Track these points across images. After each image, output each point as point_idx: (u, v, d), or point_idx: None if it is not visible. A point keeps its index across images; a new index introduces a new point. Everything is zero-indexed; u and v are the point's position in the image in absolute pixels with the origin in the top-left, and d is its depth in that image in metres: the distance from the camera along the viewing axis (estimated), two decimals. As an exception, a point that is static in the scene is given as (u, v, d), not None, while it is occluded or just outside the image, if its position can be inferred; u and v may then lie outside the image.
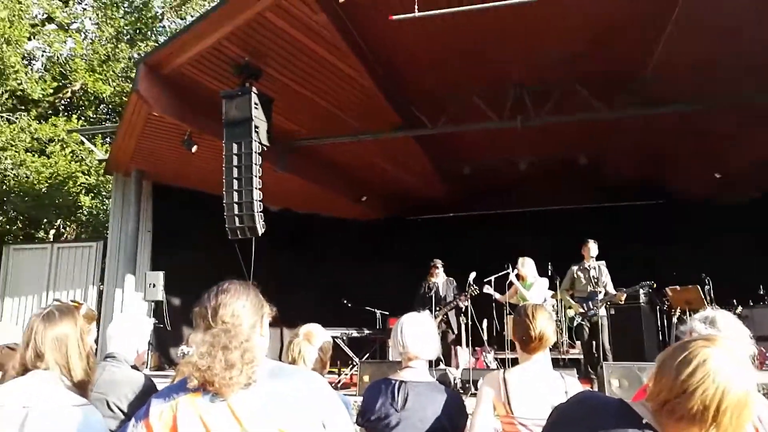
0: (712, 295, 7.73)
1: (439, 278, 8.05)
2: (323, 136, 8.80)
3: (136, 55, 16.58)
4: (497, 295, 7.83)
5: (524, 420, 2.38)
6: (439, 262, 8.17)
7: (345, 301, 9.10)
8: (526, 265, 7.52)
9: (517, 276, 7.55)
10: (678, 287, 7.92)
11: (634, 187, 11.76)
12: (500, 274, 7.91)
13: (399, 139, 8.98)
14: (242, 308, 1.54)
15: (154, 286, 8.79)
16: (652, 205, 12.11)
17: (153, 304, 8.91)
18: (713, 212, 11.40)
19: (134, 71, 7.48)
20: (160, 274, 8.87)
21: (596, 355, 6.94)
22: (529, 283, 7.48)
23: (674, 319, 7.78)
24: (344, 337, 8.29)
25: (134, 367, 2.69)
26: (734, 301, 7.76)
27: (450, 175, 11.24)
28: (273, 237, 7.37)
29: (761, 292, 7.80)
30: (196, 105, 7.76)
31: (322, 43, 6.52)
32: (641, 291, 8.14)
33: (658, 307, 8.51)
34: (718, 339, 1.40)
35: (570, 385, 2.45)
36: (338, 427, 1.53)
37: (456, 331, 7.68)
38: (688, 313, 7.15)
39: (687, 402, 1.31)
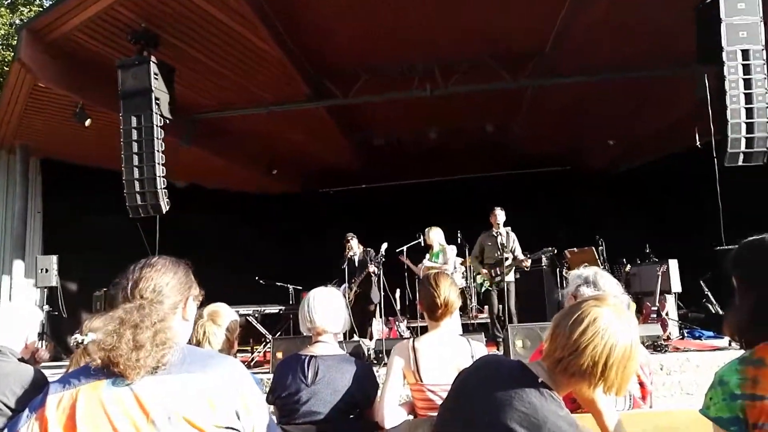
0: (605, 255, 8.28)
1: (355, 250, 8.10)
2: (230, 109, 8.46)
3: (18, 21, 15.32)
4: (413, 265, 8.00)
5: (433, 386, 2.45)
6: (350, 235, 8.21)
7: (257, 278, 8.94)
8: (432, 234, 7.70)
9: (425, 245, 7.74)
10: (576, 249, 8.43)
11: (539, 156, 12.30)
12: (412, 243, 8.08)
13: (310, 110, 8.82)
14: (165, 285, 1.44)
15: (46, 271, 8.15)
16: (554, 172, 12.76)
17: (46, 290, 8.29)
18: (608, 178, 12.21)
19: (16, 38, 6.82)
20: (53, 258, 8.24)
21: (503, 318, 7.26)
22: (436, 251, 7.68)
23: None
24: (257, 315, 8.16)
25: (23, 359, 2.49)
26: (623, 260, 8.35)
27: (362, 146, 11.23)
28: (179, 214, 7.06)
29: (647, 251, 8.44)
30: (88, 75, 7.22)
31: (226, 10, 6.22)
32: (543, 256, 8.58)
33: (558, 270, 9.00)
34: (607, 299, 1.50)
35: (476, 349, 2.54)
36: (253, 416, 1.44)
37: (375, 302, 7.76)
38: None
39: (579, 358, 1.41)
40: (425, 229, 7.76)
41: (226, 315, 2.52)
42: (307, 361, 2.51)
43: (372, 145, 10.85)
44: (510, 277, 7.44)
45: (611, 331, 1.41)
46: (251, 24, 6.44)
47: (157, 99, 6.38)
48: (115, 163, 6.73)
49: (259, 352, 7.64)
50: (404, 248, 8.07)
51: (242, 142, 10.17)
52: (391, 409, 2.40)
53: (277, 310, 8.61)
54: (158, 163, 6.42)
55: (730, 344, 6.33)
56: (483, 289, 7.77)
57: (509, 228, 7.63)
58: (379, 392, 2.52)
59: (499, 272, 7.38)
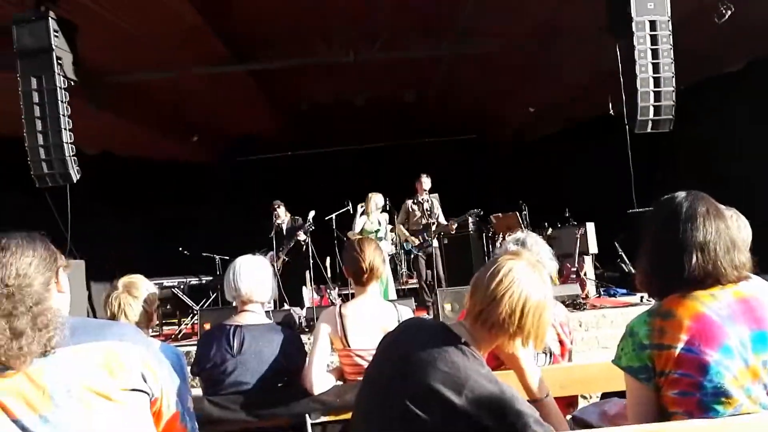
0: (528, 219, 8.58)
1: (283, 218, 7.98)
2: (143, 71, 7.96)
3: None
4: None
5: (361, 351, 2.46)
6: (277, 202, 8.07)
7: (181, 249, 8.64)
8: (372, 201, 7.72)
9: (364, 212, 7.73)
10: (500, 214, 8.68)
11: (461, 123, 12.48)
12: (341, 211, 8.05)
13: (231, 74, 8.46)
14: (29, 266, 1.33)
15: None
16: (476, 139, 13.02)
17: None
18: (528, 144, 12.60)
19: None
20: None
21: (432, 283, 7.41)
22: (375, 218, 7.73)
23: (498, 244, 8.56)
24: (182, 286, 7.92)
25: None
26: (545, 223, 8.69)
27: (288, 112, 10.96)
28: (92, 184, 6.64)
29: (567, 215, 8.82)
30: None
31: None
32: (470, 219, 8.78)
33: (484, 234, 9.25)
34: (522, 253, 1.55)
35: (403, 313, 2.57)
36: (160, 379, 1.44)
37: (302, 269, 7.72)
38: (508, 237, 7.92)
39: (497, 308, 1.45)
40: (368, 195, 7.76)
41: (143, 286, 2.39)
42: (232, 331, 2.46)
43: (297, 111, 10.61)
44: (436, 243, 7.58)
45: (526, 280, 1.47)
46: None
47: (59, 59, 5.88)
48: (16, 129, 6.21)
49: (187, 324, 7.43)
50: (333, 216, 8.03)
51: (158, 107, 9.62)
52: (319, 375, 2.40)
53: (203, 281, 8.39)
54: (65, 129, 5.95)
55: (641, 300, 6.77)
56: (412, 256, 7.88)
57: (435, 195, 7.74)
58: (307, 360, 2.50)
59: (426, 237, 7.49)
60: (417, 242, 7.62)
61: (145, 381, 1.38)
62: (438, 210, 7.65)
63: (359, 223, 7.66)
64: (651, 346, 1.46)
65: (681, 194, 1.60)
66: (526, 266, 1.50)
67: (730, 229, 1.55)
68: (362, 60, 7.84)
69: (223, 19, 7.26)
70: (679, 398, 1.42)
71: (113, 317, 2.32)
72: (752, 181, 7.78)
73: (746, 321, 1.44)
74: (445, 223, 7.55)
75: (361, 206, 7.76)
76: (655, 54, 6.26)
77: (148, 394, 1.41)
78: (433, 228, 7.45)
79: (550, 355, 2.32)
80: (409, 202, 7.76)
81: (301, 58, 7.96)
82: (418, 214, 7.62)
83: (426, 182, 7.61)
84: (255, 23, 7.50)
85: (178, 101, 9.58)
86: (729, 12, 6.94)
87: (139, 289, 2.39)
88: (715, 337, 1.41)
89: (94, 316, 7.83)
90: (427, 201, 7.57)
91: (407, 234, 7.78)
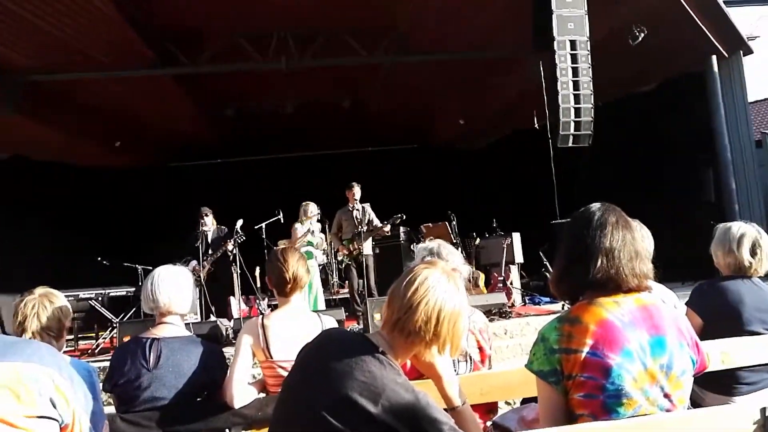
0: (456, 229, 8.76)
1: (210, 227, 7.76)
2: (59, 72, 7.56)
3: None
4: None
5: (283, 363, 2.42)
6: (206, 210, 7.84)
7: (99, 258, 8.22)
8: (311, 209, 7.66)
9: (300, 221, 7.65)
10: (430, 224, 8.82)
11: (394, 133, 12.62)
12: (271, 220, 7.92)
13: (156, 78, 8.19)
14: None
15: None
16: (409, 149, 13.21)
17: None
18: (458, 156, 12.90)
19: None
20: None
21: (363, 292, 7.40)
22: (316, 227, 7.68)
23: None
24: (101, 298, 7.52)
25: None
26: (473, 233, 8.90)
27: (216, 119, 10.73)
28: (2, 188, 6.24)
29: (494, 225, 9.08)
30: None
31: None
32: (401, 229, 8.88)
33: (415, 243, 9.35)
34: (437, 262, 1.58)
35: (327, 324, 2.55)
36: (71, 403, 1.35)
37: (229, 279, 7.53)
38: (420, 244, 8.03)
39: (413, 316, 1.47)
40: (304, 203, 7.67)
41: (60, 297, 2.31)
42: (148, 344, 2.36)
43: (225, 118, 10.40)
44: (368, 251, 7.58)
45: (440, 288, 1.50)
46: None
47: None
48: None
49: (105, 338, 7.06)
50: (263, 225, 7.89)
51: (78, 110, 9.18)
52: (240, 387, 2.34)
53: (124, 292, 8.01)
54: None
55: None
56: (344, 265, 7.86)
57: (367, 204, 7.75)
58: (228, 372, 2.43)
59: (356, 246, 7.49)
60: (348, 251, 7.61)
61: (55, 407, 1.29)
62: (369, 216, 7.67)
63: (300, 230, 7.58)
64: (560, 350, 1.52)
65: (596, 205, 1.70)
66: (441, 275, 1.53)
67: (635, 241, 1.65)
68: (295, 67, 7.79)
69: (147, 20, 7.04)
70: (585, 400, 1.49)
71: (24, 320, 2.20)
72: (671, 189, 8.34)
73: (646, 327, 1.53)
74: (379, 225, 7.57)
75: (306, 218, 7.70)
76: (575, 72, 6.58)
77: (58, 421, 1.32)
78: (365, 230, 7.44)
79: (471, 362, 2.36)
80: (340, 211, 7.75)
81: (231, 63, 7.81)
82: (349, 223, 7.61)
83: (357, 191, 7.60)
84: (181, 24, 7.31)
85: (101, 104, 9.17)
86: (642, 35, 7.42)
87: (57, 297, 2.33)
88: (617, 342, 1.49)
89: (2, 329, 7.32)
90: (358, 209, 7.57)
91: (339, 243, 7.75)
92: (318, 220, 7.99)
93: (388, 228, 7.64)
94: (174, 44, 7.58)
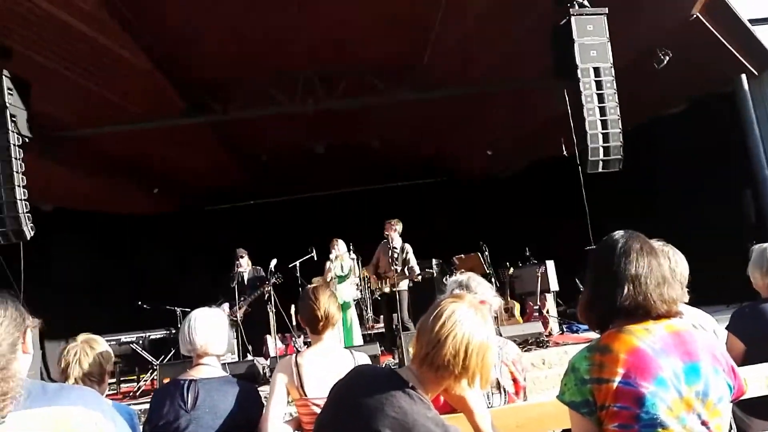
0: (489, 260, 8.70)
1: (245, 267, 7.91)
2: (97, 125, 7.89)
3: None
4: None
5: (318, 400, 2.43)
6: (241, 251, 8.01)
7: (140, 303, 8.42)
8: (340, 246, 7.75)
9: (336, 257, 7.75)
10: (463, 256, 8.78)
11: (422, 167, 12.70)
12: (305, 258, 8.02)
13: (188, 126, 8.46)
14: None
15: None
16: (437, 182, 13.25)
17: None
18: (487, 186, 12.88)
19: None
20: None
21: (398, 326, 7.39)
22: (347, 263, 7.75)
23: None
24: (141, 341, 7.68)
25: None
26: (507, 263, 8.82)
27: (248, 162, 10.99)
28: (47, 240, 6.50)
29: (527, 254, 8.99)
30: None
31: (79, 15, 5.77)
32: (434, 261, 8.88)
33: (448, 276, 9.31)
34: (464, 296, 1.61)
35: (359, 360, 2.56)
36: None
37: (265, 318, 7.61)
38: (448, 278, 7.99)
39: (441, 350, 1.49)
40: (333, 241, 7.77)
41: (101, 343, 2.41)
42: (186, 385, 2.41)
43: (259, 161, 10.65)
44: (403, 287, 7.60)
45: (468, 322, 1.52)
46: (110, 30, 6.04)
47: (13, 116, 5.84)
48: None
49: (146, 380, 7.17)
50: (297, 263, 7.99)
51: (116, 161, 9.56)
52: (276, 425, 2.37)
53: (164, 334, 8.15)
54: (18, 185, 5.85)
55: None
56: (378, 298, 7.90)
57: (408, 245, 7.79)
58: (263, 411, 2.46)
59: (388, 282, 7.52)
60: (379, 285, 7.67)
61: None
62: (407, 256, 7.68)
63: (332, 270, 7.68)
64: (591, 380, 1.51)
65: (619, 233, 1.70)
66: (468, 308, 1.55)
67: (662, 266, 1.64)
68: (322, 109, 7.98)
69: (180, 71, 7.34)
70: (620, 431, 1.47)
71: (67, 367, 2.29)
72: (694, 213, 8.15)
73: (679, 354, 1.51)
74: (415, 270, 7.58)
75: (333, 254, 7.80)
76: (600, 98, 6.56)
77: None
78: (398, 271, 7.47)
79: (505, 394, 2.34)
80: (381, 246, 7.81)
81: (259, 108, 8.04)
82: (386, 258, 7.65)
83: (395, 227, 7.66)
84: (209, 73, 7.60)
85: (139, 154, 9.53)
86: (667, 58, 7.39)
87: (98, 343, 2.42)
88: (649, 370, 1.47)
89: (48, 375, 7.51)
90: (397, 247, 7.61)
91: (373, 274, 7.84)
92: (351, 257, 8.06)
93: (416, 274, 7.61)
94: (204, 92, 7.86)
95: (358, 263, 8.53)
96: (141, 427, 2.33)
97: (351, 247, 8.61)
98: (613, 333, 1.57)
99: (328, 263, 7.81)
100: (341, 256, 7.81)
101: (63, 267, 9.41)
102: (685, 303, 2.31)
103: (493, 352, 1.56)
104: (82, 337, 2.43)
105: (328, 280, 7.66)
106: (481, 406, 1.68)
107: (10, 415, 1.23)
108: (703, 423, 1.46)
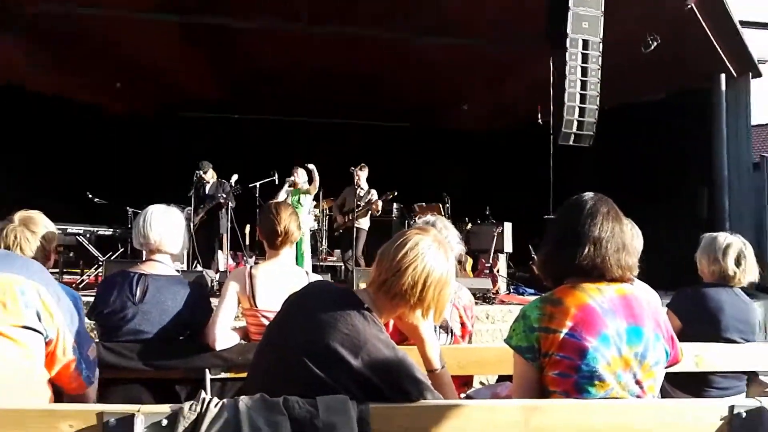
0: (449, 212, 8.80)
1: (209, 180, 7.78)
2: (59, 1, 7.36)
3: None
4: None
5: (267, 312, 2.45)
6: (206, 164, 7.85)
7: (90, 195, 8.19)
8: (300, 174, 7.68)
9: (292, 183, 7.68)
10: (424, 204, 8.86)
11: (402, 110, 12.52)
12: (266, 180, 7.93)
13: (167, 23, 8.02)
14: None
15: None
16: (414, 127, 13.13)
17: None
18: (461, 140, 12.87)
19: None
20: None
21: (351, 262, 7.49)
22: (304, 189, 7.70)
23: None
24: (89, 235, 7.52)
25: None
26: (466, 218, 8.94)
27: (229, 74, 10.59)
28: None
29: (487, 212, 9.12)
30: None
31: None
32: (394, 206, 8.94)
33: (407, 221, 9.40)
34: (430, 230, 1.61)
35: (313, 279, 2.58)
36: (56, 321, 1.39)
37: (219, 232, 7.58)
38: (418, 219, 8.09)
39: (400, 278, 1.50)
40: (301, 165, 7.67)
41: (41, 223, 2.19)
42: (136, 278, 2.38)
43: (240, 74, 10.28)
44: (363, 225, 7.67)
45: (430, 255, 1.52)
46: None
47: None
48: None
49: (90, 274, 7.08)
50: (257, 184, 7.90)
51: (85, 45, 8.97)
52: (223, 331, 2.38)
53: (112, 232, 8.01)
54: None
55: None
56: (336, 234, 7.97)
57: (374, 190, 7.80)
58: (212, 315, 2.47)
59: (350, 217, 7.58)
60: (343, 221, 7.73)
61: (40, 320, 1.31)
62: (375, 198, 7.74)
63: (283, 193, 7.62)
64: (539, 329, 1.56)
65: (589, 194, 1.73)
66: (432, 242, 1.55)
67: (624, 233, 1.68)
68: (315, 31, 7.69)
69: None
70: (559, 378, 1.54)
71: (7, 249, 2.16)
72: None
73: (624, 316, 1.58)
74: (375, 199, 7.66)
75: (289, 180, 7.72)
76: (584, 72, 6.56)
77: (42, 335, 1.34)
78: (361, 205, 7.54)
79: (451, 335, 2.41)
80: (347, 189, 7.89)
81: (248, 20, 7.68)
82: (351, 200, 7.71)
83: (362, 173, 7.71)
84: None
85: (104, 43, 8.95)
86: (655, 43, 7.40)
87: (37, 225, 2.16)
88: (595, 326, 1.53)
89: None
90: (363, 190, 7.67)
91: (338, 213, 7.89)
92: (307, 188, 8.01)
93: (379, 205, 7.68)
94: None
95: (319, 194, 8.50)
96: (84, 311, 2.28)
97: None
98: (567, 288, 1.62)
99: (283, 188, 7.75)
100: (299, 185, 7.72)
101: (10, 147, 9.02)
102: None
103: (450, 288, 1.58)
104: (19, 215, 2.15)
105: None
106: (431, 336, 1.72)
107: None
108: (637, 382, 1.54)
